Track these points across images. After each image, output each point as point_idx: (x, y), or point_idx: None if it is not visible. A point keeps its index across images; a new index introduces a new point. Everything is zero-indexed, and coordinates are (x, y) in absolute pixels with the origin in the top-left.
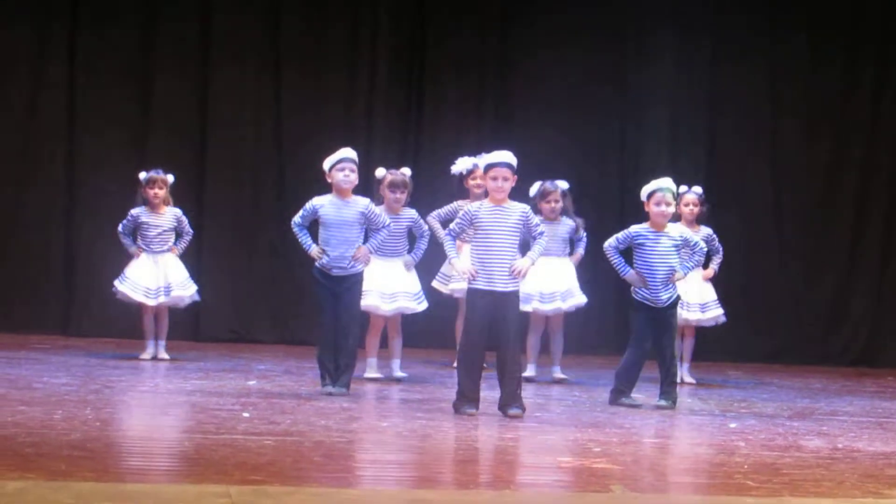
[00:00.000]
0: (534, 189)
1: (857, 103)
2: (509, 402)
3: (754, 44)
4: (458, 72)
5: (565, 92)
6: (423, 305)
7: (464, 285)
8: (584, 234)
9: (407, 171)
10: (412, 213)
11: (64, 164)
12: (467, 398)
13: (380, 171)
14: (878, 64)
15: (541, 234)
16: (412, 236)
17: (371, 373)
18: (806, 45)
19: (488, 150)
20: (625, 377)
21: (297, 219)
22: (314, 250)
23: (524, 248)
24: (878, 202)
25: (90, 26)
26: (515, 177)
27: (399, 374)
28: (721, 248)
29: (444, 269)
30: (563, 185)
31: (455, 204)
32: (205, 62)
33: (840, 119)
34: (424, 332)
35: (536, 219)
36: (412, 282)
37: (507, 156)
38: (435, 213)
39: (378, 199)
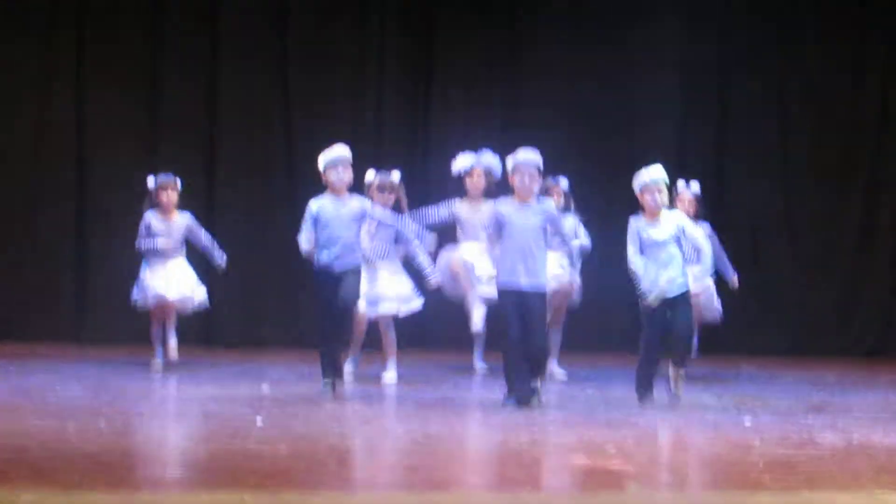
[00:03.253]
0: None
1: (867, 100)
2: (530, 393)
3: (761, 47)
4: (466, 69)
5: (574, 88)
6: (412, 305)
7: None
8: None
9: (396, 174)
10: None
11: (74, 171)
12: (514, 392)
13: (370, 174)
14: (887, 60)
15: (565, 239)
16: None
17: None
18: (814, 48)
19: (496, 143)
20: (640, 375)
21: (302, 234)
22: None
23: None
24: (889, 192)
25: (97, 27)
26: (541, 178)
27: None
28: (722, 252)
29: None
30: (563, 182)
31: (447, 203)
32: (212, 63)
33: (850, 114)
34: (436, 333)
35: (561, 218)
36: (398, 284)
37: (533, 155)
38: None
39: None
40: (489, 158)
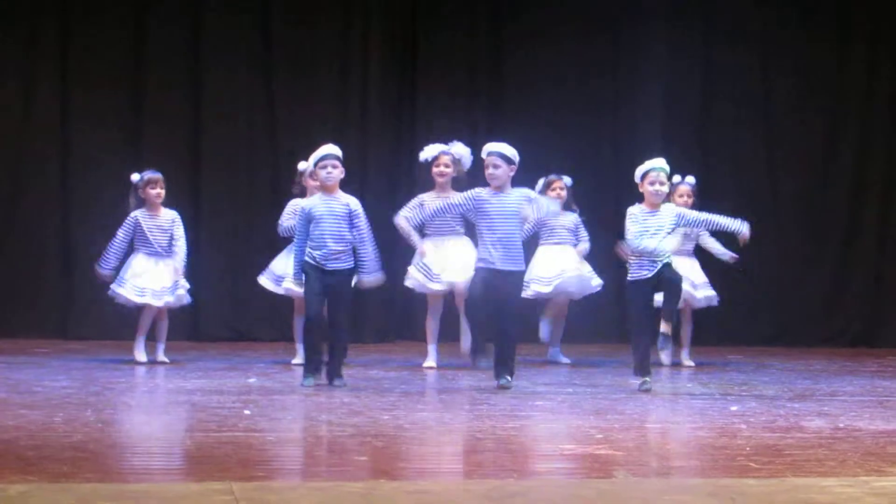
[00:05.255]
0: (539, 184)
1: (851, 83)
2: (500, 372)
3: (746, 27)
4: (450, 66)
5: (558, 83)
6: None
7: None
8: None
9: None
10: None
11: (58, 166)
12: (482, 351)
13: (302, 164)
14: (870, 42)
15: (552, 212)
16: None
17: (297, 359)
18: (798, 26)
19: (481, 144)
20: (636, 357)
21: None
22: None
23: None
24: (874, 181)
25: (80, 26)
26: (513, 166)
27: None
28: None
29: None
30: (566, 179)
31: (417, 198)
32: (196, 60)
33: (834, 99)
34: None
35: (543, 199)
36: None
37: (500, 146)
38: (402, 212)
39: (301, 190)
40: (458, 148)
